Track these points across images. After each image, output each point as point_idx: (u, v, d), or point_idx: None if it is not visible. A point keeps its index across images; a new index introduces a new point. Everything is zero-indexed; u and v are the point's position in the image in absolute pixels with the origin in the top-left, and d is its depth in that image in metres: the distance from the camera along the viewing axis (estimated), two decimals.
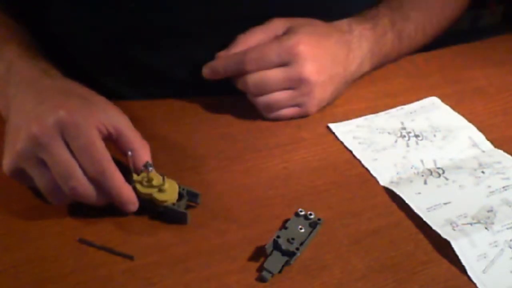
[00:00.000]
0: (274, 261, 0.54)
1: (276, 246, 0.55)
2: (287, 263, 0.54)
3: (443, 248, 0.57)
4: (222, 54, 0.70)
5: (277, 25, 0.70)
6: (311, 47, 0.68)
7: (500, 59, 0.85)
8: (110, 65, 0.74)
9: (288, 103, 0.70)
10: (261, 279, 0.53)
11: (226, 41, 0.71)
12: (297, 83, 0.68)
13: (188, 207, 0.59)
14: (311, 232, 0.57)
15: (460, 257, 0.56)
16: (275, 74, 0.67)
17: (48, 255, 0.55)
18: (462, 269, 0.55)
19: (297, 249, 0.55)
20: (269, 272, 0.53)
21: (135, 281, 0.53)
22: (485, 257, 0.56)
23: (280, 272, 0.54)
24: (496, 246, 0.57)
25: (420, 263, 0.56)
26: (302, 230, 0.57)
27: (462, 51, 0.86)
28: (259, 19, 0.71)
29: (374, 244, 0.57)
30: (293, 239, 0.56)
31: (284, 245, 0.55)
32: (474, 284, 0.54)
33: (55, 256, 0.54)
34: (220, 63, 0.69)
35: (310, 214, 0.58)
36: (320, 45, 0.69)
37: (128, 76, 0.74)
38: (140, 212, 0.57)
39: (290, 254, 0.55)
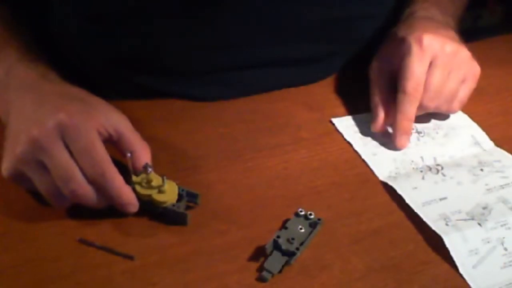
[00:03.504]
0: (274, 261, 0.54)
1: (276, 246, 0.55)
2: (287, 263, 0.54)
3: (443, 248, 0.57)
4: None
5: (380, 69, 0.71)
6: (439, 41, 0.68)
7: (500, 59, 0.85)
8: (112, 81, 0.74)
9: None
10: (261, 279, 0.53)
11: (232, 62, 0.72)
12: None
13: (187, 207, 0.59)
14: (311, 232, 0.57)
15: (451, 252, 0.56)
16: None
17: (48, 255, 0.55)
18: None
19: (297, 249, 0.55)
20: (269, 272, 0.53)
21: (135, 281, 0.53)
22: (476, 253, 0.56)
23: (280, 272, 0.54)
24: (488, 242, 0.57)
25: (420, 263, 0.56)
26: (302, 230, 0.57)
27: None
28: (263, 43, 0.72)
29: (374, 244, 0.58)
30: (293, 239, 0.56)
31: (284, 245, 0.55)
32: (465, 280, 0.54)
33: (55, 256, 0.54)
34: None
35: (310, 214, 0.58)
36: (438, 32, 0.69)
37: (128, 90, 0.75)
38: (140, 212, 0.57)
39: (290, 254, 0.55)
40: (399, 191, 0.62)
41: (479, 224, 0.58)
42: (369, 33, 0.79)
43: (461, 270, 0.55)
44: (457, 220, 0.58)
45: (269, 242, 0.55)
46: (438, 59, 0.66)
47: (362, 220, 0.60)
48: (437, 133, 0.71)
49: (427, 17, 0.73)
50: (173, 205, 0.57)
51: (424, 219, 0.59)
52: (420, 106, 0.66)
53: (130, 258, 0.55)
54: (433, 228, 0.57)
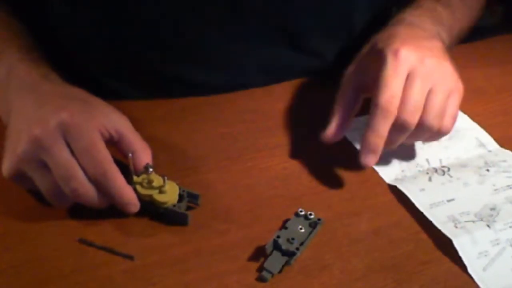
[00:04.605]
0: (274, 261, 0.54)
1: (276, 246, 0.55)
2: (287, 263, 0.54)
3: (443, 248, 0.57)
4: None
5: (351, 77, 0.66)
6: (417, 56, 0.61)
7: (500, 59, 0.85)
8: (111, 64, 0.74)
9: None
10: (261, 279, 0.53)
11: (234, 44, 0.72)
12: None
13: (188, 208, 0.59)
14: (311, 232, 0.57)
15: (461, 254, 0.56)
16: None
17: (48, 255, 0.55)
18: (462, 269, 0.55)
19: (297, 249, 0.55)
20: (269, 272, 0.53)
21: (135, 281, 0.53)
22: (486, 255, 0.56)
23: (280, 272, 0.54)
24: (497, 244, 0.57)
25: (420, 263, 0.56)
26: (302, 230, 0.57)
27: (462, 51, 0.86)
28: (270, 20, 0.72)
29: (374, 244, 0.58)
30: (293, 239, 0.56)
31: (284, 245, 0.55)
32: (474, 283, 0.54)
33: (55, 256, 0.55)
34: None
35: (310, 214, 0.58)
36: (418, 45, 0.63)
37: (129, 75, 0.74)
38: (140, 213, 0.57)
39: (290, 254, 0.55)
40: (407, 193, 0.62)
41: (488, 226, 0.58)
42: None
43: (471, 273, 0.55)
44: (466, 221, 0.58)
45: (269, 242, 0.55)
46: (417, 72, 0.59)
47: (362, 220, 0.60)
48: None
49: (412, 25, 0.68)
50: (174, 206, 0.57)
51: (433, 221, 0.58)
52: (403, 124, 0.59)
53: (130, 258, 0.55)
54: (442, 230, 0.57)
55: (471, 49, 0.86)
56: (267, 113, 0.73)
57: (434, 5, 0.73)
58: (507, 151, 0.69)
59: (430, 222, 0.59)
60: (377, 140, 0.59)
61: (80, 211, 0.57)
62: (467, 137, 0.71)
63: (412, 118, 0.59)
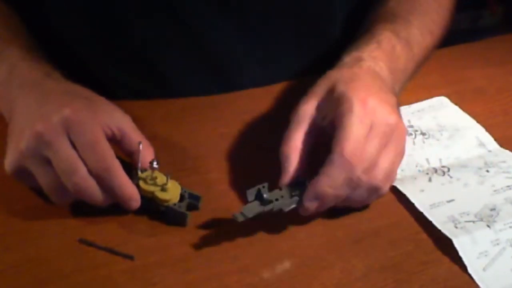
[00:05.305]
0: (253, 207, 0.55)
1: (259, 196, 0.55)
2: (264, 213, 0.55)
3: (443, 248, 0.57)
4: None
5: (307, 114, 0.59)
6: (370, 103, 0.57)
7: (500, 59, 0.85)
8: (111, 63, 0.74)
9: None
10: (234, 219, 0.54)
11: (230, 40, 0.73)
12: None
13: (188, 209, 0.59)
14: (300, 195, 0.56)
15: (461, 254, 0.56)
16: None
17: (48, 255, 0.55)
18: (462, 269, 0.55)
19: (277, 199, 0.55)
20: (244, 215, 0.54)
21: (135, 281, 0.53)
22: (486, 255, 0.56)
23: (255, 218, 0.54)
24: (497, 244, 0.57)
25: (420, 263, 0.56)
26: (294, 195, 0.56)
27: (462, 51, 0.86)
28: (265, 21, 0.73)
29: (374, 244, 0.58)
30: (282, 196, 0.56)
31: (267, 195, 0.55)
32: (474, 283, 0.54)
33: (55, 256, 0.55)
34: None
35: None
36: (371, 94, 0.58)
37: (129, 74, 0.75)
38: (141, 212, 0.57)
39: (267, 203, 0.55)
40: (407, 194, 0.62)
41: (488, 226, 0.58)
42: None
43: (471, 273, 0.55)
44: (466, 221, 0.58)
45: (252, 188, 0.55)
46: (379, 128, 0.56)
47: (362, 220, 0.60)
48: (441, 134, 0.70)
49: (372, 72, 0.63)
50: (175, 205, 0.57)
51: (433, 222, 0.59)
52: (357, 180, 0.54)
53: (130, 258, 0.55)
54: (442, 230, 0.57)
55: (471, 49, 0.87)
56: (267, 113, 0.73)
57: (393, 42, 0.68)
58: (507, 151, 0.69)
59: (430, 222, 0.59)
60: (330, 190, 0.54)
61: (80, 211, 0.57)
62: (467, 136, 0.70)
63: (366, 176, 0.55)
